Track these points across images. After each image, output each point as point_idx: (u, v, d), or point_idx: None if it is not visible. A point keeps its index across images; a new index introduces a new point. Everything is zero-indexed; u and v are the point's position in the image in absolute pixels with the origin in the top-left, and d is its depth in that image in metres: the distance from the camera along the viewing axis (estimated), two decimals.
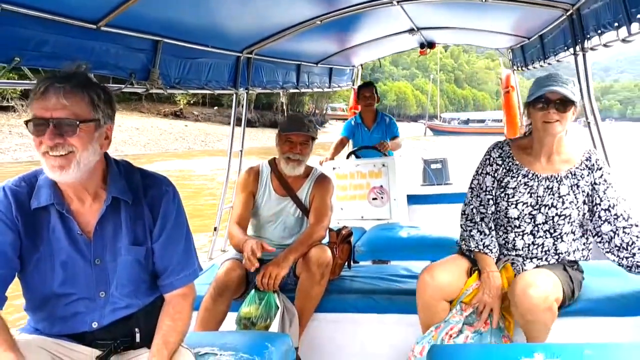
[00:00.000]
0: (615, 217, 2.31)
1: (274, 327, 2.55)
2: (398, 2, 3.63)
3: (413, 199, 5.59)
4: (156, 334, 1.73)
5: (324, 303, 2.81)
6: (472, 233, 2.47)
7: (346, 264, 3.21)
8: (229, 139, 4.35)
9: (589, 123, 3.40)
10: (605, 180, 2.35)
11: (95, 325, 1.72)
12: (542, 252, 2.41)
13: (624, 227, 2.29)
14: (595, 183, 2.36)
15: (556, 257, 2.41)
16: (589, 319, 2.46)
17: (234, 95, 4.05)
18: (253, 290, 2.70)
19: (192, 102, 37.73)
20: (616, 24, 2.51)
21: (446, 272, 2.41)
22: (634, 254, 2.27)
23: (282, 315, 2.60)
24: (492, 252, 2.42)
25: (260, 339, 2.19)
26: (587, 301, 2.48)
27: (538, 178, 2.41)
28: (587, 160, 2.38)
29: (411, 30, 4.94)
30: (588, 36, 3.04)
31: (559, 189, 2.37)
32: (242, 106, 4.27)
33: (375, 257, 4.12)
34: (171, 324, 1.74)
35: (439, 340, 2.28)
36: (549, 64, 4.24)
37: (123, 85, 2.71)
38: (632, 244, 2.28)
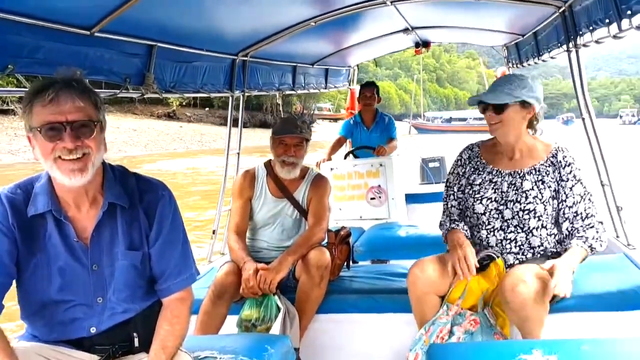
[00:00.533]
0: (575, 214, 2.34)
1: (275, 329, 2.56)
2: (392, 2, 3.63)
3: (411, 198, 5.60)
4: (154, 339, 1.74)
5: (324, 304, 2.82)
6: (446, 222, 2.60)
7: (345, 264, 3.22)
8: (226, 141, 4.36)
9: (583, 119, 3.41)
10: (574, 177, 2.36)
11: (93, 330, 1.72)
12: (515, 246, 2.44)
13: (578, 228, 2.32)
14: (562, 179, 2.38)
15: (531, 251, 2.43)
16: (585, 314, 2.48)
17: (230, 97, 4.05)
18: None
19: (184, 103, 39.02)
20: (607, 21, 2.52)
21: (435, 266, 2.46)
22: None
23: (283, 316, 2.60)
24: (461, 228, 2.51)
25: (260, 342, 2.19)
26: (583, 296, 2.49)
27: (501, 174, 2.48)
28: (552, 157, 2.41)
29: (406, 30, 4.95)
30: (580, 33, 3.06)
31: (522, 184, 2.42)
32: (240, 108, 4.26)
33: (374, 257, 4.12)
34: (169, 328, 1.75)
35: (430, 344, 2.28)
36: (543, 60, 4.25)
37: (118, 91, 2.71)
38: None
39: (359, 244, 3.94)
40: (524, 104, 2.36)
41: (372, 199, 4.88)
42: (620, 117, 75.06)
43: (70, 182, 1.59)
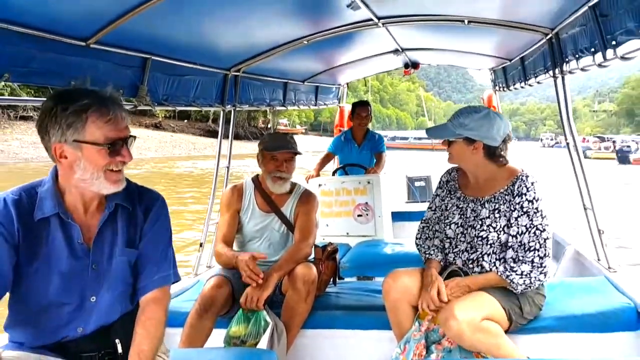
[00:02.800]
0: (519, 244, 2.36)
1: (263, 344, 2.56)
2: (383, 24, 3.70)
3: (397, 216, 5.64)
4: (131, 346, 1.74)
5: (310, 319, 2.83)
6: (424, 244, 2.69)
7: (331, 280, 3.23)
8: (216, 157, 4.37)
9: (568, 144, 3.48)
10: (521, 207, 2.37)
11: (80, 330, 1.75)
12: (477, 267, 2.49)
13: (518, 258, 2.35)
14: (512, 209, 2.40)
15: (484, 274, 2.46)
16: (565, 335, 2.52)
17: (222, 112, 4.08)
18: (241, 310, 2.71)
19: (167, 115, 42.20)
20: (592, 50, 2.59)
21: (407, 277, 2.55)
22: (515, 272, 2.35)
23: (271, 331, 2.61)
24: (435, 256, 2.62)
25: (247, 356, 2.19)
26: (563, 317, 2.54)
27: (466, 200, 2.56)
28: (512, 185, 2.44)
29: (396, 51, 5.04)
30: (566, 60, 3.13)
31: (480, 211, 2.48)
32: (230, 123, 4.29)
33: (360, 274, 4.14)
34: (143, 331, 1.75)
35: None
36: (529, 85, 4.33)
37: None
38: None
39: (345, 261, 3.96)
40: (469, 140, 2.43)
41: (359, 215, 4.91)
42: (541, 140, 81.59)
43: (116, 188, 1.73)
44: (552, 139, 78.06)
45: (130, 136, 1.74)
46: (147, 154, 31.31)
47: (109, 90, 1.73)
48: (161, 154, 33.12)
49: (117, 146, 1.68)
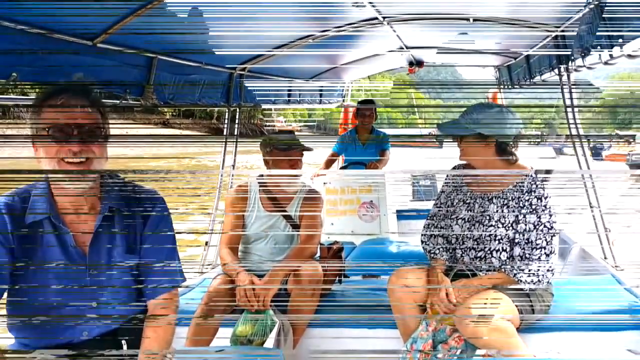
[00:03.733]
0: (527, 241, 2.36)
1: (269, 343, 2.56)
2: (388, 22, 3.69)
3: (402, 214, 5.64)
4: (140, 349, 1.74)
5: (315, 318, 2.82)
6: (429, 241, 2.67)
7: (337, 278, 3.23)
8: (221, 155, 4.38)
9: (574, 142, 3.47)
10: (530, 204, 2.38)
11: (85, 334, 1.73)
12: (485, 264, 2.48)
13: (529, 254, 2.35)
14: (520, 206, 2.40)
15: (494, 272, 2.46)
16: (571, 334, 2.51)
17: (227, 111, 4.08)
18: (246, 308, 2.71)
19: (172, 114, 42.89)
20: (599, 47, 2.58)
21: (413, 275, 2.54)
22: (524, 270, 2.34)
23: (278, 330, 2.61)
24: (440, 254, 2.60)
25: (253, 355, 2.19)
26: (570, 316, 2.53)
27: (474, 196, 2.56)
28: (521, 182, 2.44)
29: (400, 49, 5.03)
30: (572, 58, 3.11)
31: (488, 207, 2.48)
32: (237, 122, 4.30)
33: (366, 272, 4.13)
34: (153, 335, 1.75)
35: None
36: (535, 83, 4.32)
37: (118, 101, 2.73)
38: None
39: (350, 259, 3.96)
40: (481, 136, 2.43)
41: (364, 214, 4.91)
42: None
43: (72, 185, 1.63)
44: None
45: (96, 127, 1.64)
46: (168, 150, 32.99)
47: (75, 77, 1.70)
48: (177, 150, 35.19)
49: (66, 133, 1.60)
